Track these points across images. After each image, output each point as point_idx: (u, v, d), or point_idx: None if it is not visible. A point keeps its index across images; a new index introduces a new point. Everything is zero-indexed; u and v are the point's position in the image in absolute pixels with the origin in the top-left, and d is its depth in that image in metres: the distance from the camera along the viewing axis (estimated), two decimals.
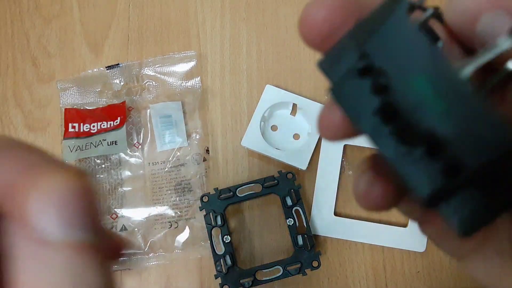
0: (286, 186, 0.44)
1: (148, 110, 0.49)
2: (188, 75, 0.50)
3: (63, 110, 0.50)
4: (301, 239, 0.43)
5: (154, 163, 0.48)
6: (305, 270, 0.42)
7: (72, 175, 0.11)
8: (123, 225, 0.46)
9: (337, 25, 0.12)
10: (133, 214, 0.47)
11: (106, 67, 0.50)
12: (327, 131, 0.14)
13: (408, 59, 0.11)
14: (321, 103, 0.47)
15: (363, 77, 0.12)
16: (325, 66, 0.13)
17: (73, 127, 0.49)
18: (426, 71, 0.11)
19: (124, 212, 0.47)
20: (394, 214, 0.46)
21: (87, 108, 0.50)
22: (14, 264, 0.10)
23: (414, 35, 0.11)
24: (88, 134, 0.48)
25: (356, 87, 0.12)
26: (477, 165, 0.11)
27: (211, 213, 0.44)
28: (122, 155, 0.48)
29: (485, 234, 0.17)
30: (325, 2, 0.12)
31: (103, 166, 0.48)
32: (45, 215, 0.10)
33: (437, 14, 0.13)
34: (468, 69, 0.11)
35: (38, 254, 0.10)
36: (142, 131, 0.49)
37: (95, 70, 0.51)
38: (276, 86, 0.48)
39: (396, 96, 0.12)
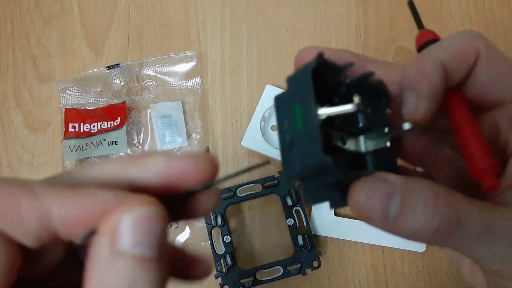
0: (286, 186, 0.44)
1: (148, 110, 0.49)
2: (188, 75, 0.51)
3: (63, 110, 0.50)
4: (301, 239, 0.43)
5: None
6: (305, 270, 0.42)
7: (143, 205, 0.15)
8: None
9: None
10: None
11: (106, 67, 0.50)
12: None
13: (299, 95, 0.19)
14: None
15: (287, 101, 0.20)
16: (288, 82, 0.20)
17: (73, 127, 0.49)
18: (303, 105, 0.18)
19: None
20: None
21: (87, 108, 0.50)
22: (92, 265, 0.14)
23: (307, 82, 0.18)
24: (88, 134, 0.48)
25: (285, 103, 0.20)
26: (298, 166, 0.18)
27: (211, 213, 0.44)
28: (122, 155, 0.48)
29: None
30: (312, 50, 0.20)
31: None
32: (123, 233, 0.14)
33: (370, 82, 0.20)
34: (322, 111, 0.18)
35: (110, 261, 0.14)
36: (142, 131, 0.49)
37: (95, 70, 0.51)
38: (276, 86, 0.48)
39: (289, 115, 0.19)
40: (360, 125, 0.21)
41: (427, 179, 0.18)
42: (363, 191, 0.18)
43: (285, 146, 0.19)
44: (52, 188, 0.15)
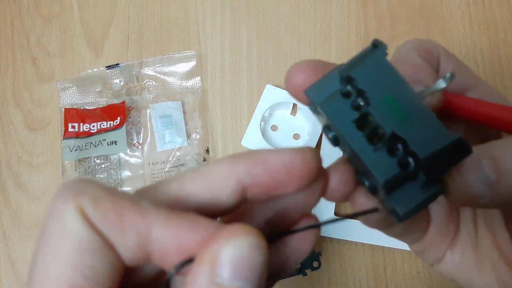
0: None
1: (148, 110, 0.49)
2: (188, 75, 0.50)
3: (63, 110, 0.50)
4: None
5: (154, 163, 0.48)
6: (305, 270, 0.42)
7: (245, 235, 0.14)
8: None
9: (311, 81, 0.18)
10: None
11: (106, 67, 0.50)
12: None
13: (383, 83, 0.16)
14: None
15: (346, 97, 0.17)
16: (311, 93, 0.17)
17: (73, 127, 0.49)
18: (395, 92, 0.16)
19: None
20: None
21: (87, 108, 0.50)
22: None
23: (389, 68, 0.16)
24: (88, 134, 0.48)
25: (340, 104, 0.17)
26: (423, 156, 0.15)
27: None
28: (122, 155, 0.48)
29: (453, 234, 0.23)
30: (302, 67, 0.19)
31: (103, 166, 0.48)
32: (224, 265, 0.14)
33: None
34: (422, 93, 0.17)
35: None
36: (142, 131, 0.49)
37: (95, 70, 0.51)
38: (276, 86, 0.48)
39: (372, 109, 0.16)
40: None
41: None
42: (458, 172, 0.17)
43: (368, 150, 0.16)
44: (156, 207, 0.14)
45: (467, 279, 0.23)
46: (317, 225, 0.17)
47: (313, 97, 0.17)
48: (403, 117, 0.16)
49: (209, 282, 0.14)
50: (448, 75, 0.17)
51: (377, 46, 0.16)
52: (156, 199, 0.15)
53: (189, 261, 0.14)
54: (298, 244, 0.17)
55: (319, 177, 0.17)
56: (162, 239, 0.14)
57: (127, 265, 0.15)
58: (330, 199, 0.18)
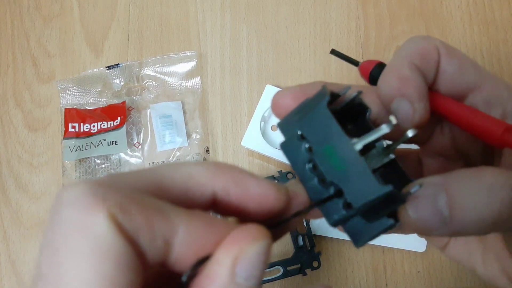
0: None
1: (148, 110, 0.49)
2: (188, 75, 0.50)
3: (63, 110, 0.50)
4: (301, 239, 0.43)
5: (154, 163, 0.48)
6: (305, 270, 0.42)
7: (263, 239, 0.15)
8: None
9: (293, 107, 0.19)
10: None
11: (106, 67, 0.50)
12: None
13: (324, 134, 0.18)
14: None
15: (300, 141, 0.19)
16: (281, 127, 0.20)
17: (73, 127, 0.49)
18: (335, 143, 0.17)
19: None
20: None
21: (87, 108, 0.50)
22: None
23: (329, 119, 0.17)
24: (88, 134, 0.48)
25: (296, 146, 0.19)
26: (356, 206, 0.17)
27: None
28: (122, 155, 0.48)
29: None
30: (288, 93, 0.20)
31: (103, 166, 0.48)
32: (244, 265, 0.14)
33: (354, 102, 0.19)
34: (359, 144, 0.17)
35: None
36: (142, 131, 0.49)
37: (95, 70, 0.51)
38: (276, 86, 0.48)
39: (315, 157, 0.18)
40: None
41: (467, 167, 0.18)
42: (415, 207, 0.17)
43: (320, 191, 0.18)
44: (177, 209, 0.15)
45: (471, 266, 0.24)
46: (312, 206, 0.18)
47: (283, 131, 0.20)
48: (341, 167, 0.17)
49: (229, 281, 0.14)
50: (392, 121, 0.18)
51: (322, 95, 0.18)
52: (138, 188, 0.15)
53: (204, 260, 0.15)
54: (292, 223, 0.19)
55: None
56: (184, 241, 0.14)
57: (155, 266, 0.15)
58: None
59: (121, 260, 0.13)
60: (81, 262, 0.12)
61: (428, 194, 0.17)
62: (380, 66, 0.26)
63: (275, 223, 0.17)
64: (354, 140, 0.17)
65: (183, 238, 0.14)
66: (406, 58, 0.21)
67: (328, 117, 0.17)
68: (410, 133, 0.18)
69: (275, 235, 0.17)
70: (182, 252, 0.14)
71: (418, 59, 0.20)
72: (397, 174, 0.19)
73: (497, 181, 0.17)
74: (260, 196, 0.17)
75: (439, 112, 0.22)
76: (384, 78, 0.21)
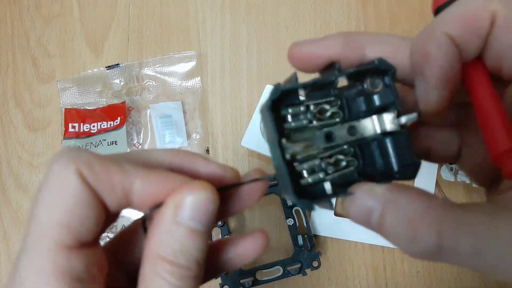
0: None
1: (148, 110, 0.49)
2: (188, 75, 0.50)
3: (63, 110, 0.50)
4: (301, 239, 0.43)
5: None
6: (305, 270, 0.42)
7: (211, 193, 0.19)
8: (123, 225, 0.46)
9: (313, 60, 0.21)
10: (134, 214, 0.47)
11: (106, 67, 0.50)
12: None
13: (268, 133, 0.20)
14: None
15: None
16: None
17: (73, 127, 0.49)
18: (272, 146, 0.20)
19: (124, 212, 0.47)
20: None
21: (87, 108, 0.50)
22: (156, 229, 0.19)
23: (271, 121, 0.19)
24: (88, 134, 0.48)
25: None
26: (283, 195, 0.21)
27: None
28: None
29: None
30: (304, 46, 0.21)
31: None
32: (185, 209, 0.18)
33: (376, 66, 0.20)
34: (287, 154, 0.19)
35: (170, 227, 0.18)
36: (142, 131, 0.49)
37: (95, 70, 0.51)
38: None
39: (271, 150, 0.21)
40: (377, 104, 0.20)
41: (418, 190, 0.18)
42: (349, 205, 0.19)
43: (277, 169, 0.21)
44: (135, 167, 0.19)
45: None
46: (259, 179, 0.22)
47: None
48: (275, 165, 0.20)
49: (172, 220, 0.18)
50: (413, 116, 0.19)
51: (272, 95, 0.19)
52: (132, 160, 0.20)
53: (159, 205, 0.19)
54: (248, 191, 0.23)
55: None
56: (140, 190, 0.19)
57: (112, 212, 0.20)
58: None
59: (79, 199, 0.18)
60: (53, 197, 0.18)
61: (365, 203, 0.18)
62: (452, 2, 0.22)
63: (223, 187, 0.21)
64: (285, 143, 0.19)
65: (141, 189, 0.19)
66: (442, 26, 0.18)
67: (269, 120, 0.19)
68: (412, 117, 0.19)
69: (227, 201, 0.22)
70: (140, 200, 0.19)
71: (459, 29, 0.18)
72: (403, 148, 0.20)
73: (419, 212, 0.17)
74: (209, 173, 0.21)
75: (468, 92, 0.19)
76: (415, 42, 0.19)
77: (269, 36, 0.52)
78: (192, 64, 0.50)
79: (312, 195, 0.20)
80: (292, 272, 0.42)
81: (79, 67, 0.52)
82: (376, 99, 0.20)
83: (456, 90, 0.19)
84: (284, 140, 0.19)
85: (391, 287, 0.45)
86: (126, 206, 0.19)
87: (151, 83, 0.51)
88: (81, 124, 0.49)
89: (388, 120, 0.20)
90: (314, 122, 0.20)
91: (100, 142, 0.48)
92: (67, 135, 0.48)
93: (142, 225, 0.20)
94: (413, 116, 0.19)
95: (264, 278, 0.43)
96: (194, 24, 0.53)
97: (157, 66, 0.51)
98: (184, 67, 0.51)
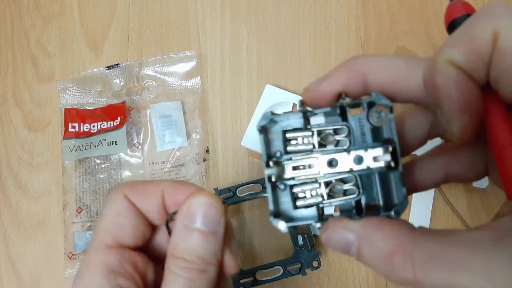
0: None
1: (148, 110, 0.49)
2: (188, 75, 0.50)
3: (63, 110, 0.50)
4: (301, 239, 0.43)
5: (154, 163, 0.48)
6: (305, 270, 0.42)
7: (210, 198, 0.22)
8: None
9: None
10: None
11: (106, 67, 0.50)
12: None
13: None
14: None
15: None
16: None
17: (73, 127, 0.49)
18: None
19: None
20: None
21: (87, 108, 0.50)
22: (173, 234, 0.22)
23: (262, 145, 0.22)
24: (88, 134, 0.48)
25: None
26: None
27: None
28: (122, 155, 0.48)
29: None
30: (318, 88, 0.22)
31: (103, 166, 0.48)
32: (195, 214, 0.22)
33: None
34: (271, 178, 0.21)
35: (183, 231, 0.22)
36: (142, 131, 0.49)
37: (95, 70, 0.51)
38: (276, 86, 0.48)
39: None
40: (384, 136, 0.20)
41: (393, 224, 0.18)
42: (328, 236, 0.20)
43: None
44: (165, 180, 0.24)
45: None
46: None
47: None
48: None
49: (180, 224, 0.22)
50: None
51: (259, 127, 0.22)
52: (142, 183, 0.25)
53: (176, 212, 0.23)
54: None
55: None
56: (169, 197, 0.23)
57: (155, 223, 0.25)
58: None
59: (120, 212, 0.23)
60: (105, 213, 0.24)
61: (343, 238, 0.19)
62: (465, 18, 0.21)
63: (229, 200, 0.25)
64: (267, 170, 0.21)
65: (169, 195, 0.24)
66: (447, 52, 0.17)
67: (260, 141, 0.22)
68: (382, 159, 0.20)
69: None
70: (171, 205, 0.24)
71: (463, 53, 0.16)
72: (398, 183, 0.20)
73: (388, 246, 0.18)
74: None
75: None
76: (424, 76, 0.19)
77: (269, 36, 0.52)
78: (192, 64, 0.50)
79: (292, 218, 0.22)
80: (292, 272, 0.42)
81: (79, 67, 0.52)
82: (383, 131, 0.21)
83: (480, 115, 0.18)
84: (271, 162, 0.21)
85: (391, 287, 0.45)
86: (165, 215, 0.24)
87: (151, 83, 0.51)
88: (81, 124, 0.49)
89: (388, 155, 0.20)
90: (318, 148, 0.21)
91: (100, 142, 0.48)
92: (67, 135, 0.48)
93: (166, 228, 0.24)
94: (383, 164, 0.20)
95: (264, 278, 0.43)
96: (194, 24, 0.53)
97: (157, 66, 0.51)
98: (184, 67, 0.51)
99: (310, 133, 0.21)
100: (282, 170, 0.21)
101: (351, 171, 0.21)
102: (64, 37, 0.53)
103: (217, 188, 0.45)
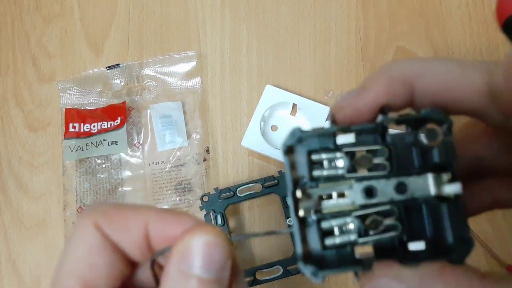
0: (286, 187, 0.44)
1: (149, 110, 0.49)
2: (188, 75, 0.51)
3: (64, 110, 0.50)
4: None
5: (155, 163, 0.48)
6: None
7: (214, 236, 0.17)
8: None
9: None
10: None
11: (106, 67, 0.51)
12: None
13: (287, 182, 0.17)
14: (321, 103, 0.47)
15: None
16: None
17: (74, 127, 0.49)
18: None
19: None
20: None
21: (88, 108, 0.50)
22: (165, 279, 0.17)
23: (287, 170, 0.17)
24: (89, 134, 0.48)
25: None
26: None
27: (211, 213, 0.44)
28: (123, 155, 0.48)
29: None
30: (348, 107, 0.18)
31: (103, 166, 0.48)
32: (195, 257, 0.17)
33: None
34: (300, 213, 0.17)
35: (179, 279, 0.17)
36: (142, 131, 0.49)
37: (96, 70, 0.51)
38: (276, 86, 0.48)
39: None
40: (435, 160, 0.17)
41: (457, 273, 0.15)
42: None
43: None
44: (150, 207, 0.19)
45: None
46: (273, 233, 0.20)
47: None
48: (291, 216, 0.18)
49: (176, 270, 0.17)
50: None
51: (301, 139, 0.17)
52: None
53: (167, 249, 0.18)
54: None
55: None
56: (156, 231, 0.18)
57: (136, 260, 0.19)
58: None
59: (91, 249, 0.18)
60: (69, 249, 0.18)
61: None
62: None
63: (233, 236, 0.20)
64: (299, 203, 0.17)
65: (155, 229, 0.18)
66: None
67: (286, 166, 0.17)
68: (448, 189, 0.16)
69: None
70: (158, 242, 0.18)
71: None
72: (459, 217, 0.17)
73: None
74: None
75: None
76: (507, 77, 0.16)
77: (269, 36, 0.52)
78: (192, 64, 0.51)
79: (325, 262, 0.18)
80: (292, 272, 0.42)
81: (79, 67, 0.52)
82: (434, 154, 0.17)
83: None
84: (299, 193, 0.17)
85: None
86: (148, 250, 0.19)
87: (151, 83, 0.51)
88: (82, 124, 0.49)
89: (446, 181, 0.17)
90: (351, 173, 0.17)
91: (100, 142, 0.48)
92: (67, 135, 0.48)
93: (151, 272, 0.19)
94: (458, 189, 0.16)
95: (264, 278, 0.43)
96: (194, 24, 0.53)
97: (157, 66, 0.51)
98: (184, 67, 0.51)
99: (341, 154, 0.17)
100: (311, 201, 0.17)
101: (392, 202, 0.17)
102: (65, 37, 0.54)
103: (217, 188, 0.45)
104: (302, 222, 0.17)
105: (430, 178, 0.17)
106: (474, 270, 0.15)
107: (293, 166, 0.17)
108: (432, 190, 0.17)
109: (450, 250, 0.16)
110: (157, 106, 0.49)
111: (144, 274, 0.20)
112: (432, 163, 0.17)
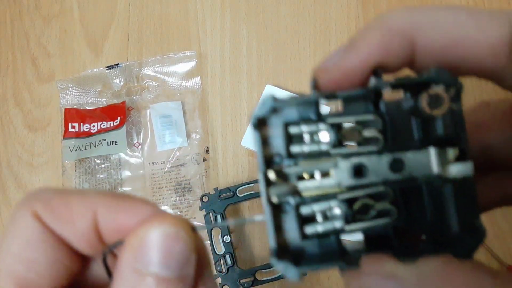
0: None
1: (148, 110, 0.49)
2: (188, 75, 0.50)
3: (63, 110, 0.50)
4: None
5: (154, 163, 0.48)
6: None
7: (174, 226, 0.14)
8: None
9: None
10: None
11: (106, 67, 0.50)
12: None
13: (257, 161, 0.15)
14: None
15: None
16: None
17: (73, 127, 0.49)
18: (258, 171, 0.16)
19: None
20: None
21: (87, 108, 0.50)
22: (117, 277, 0.14)
23: (258, 146, 0.15)
24: (88, 134, 0.48)
25: None
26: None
27: (211, 213, 0.44)
28: (122, 155, 0.48)
29: None
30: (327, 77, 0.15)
31: (103, 166, 0.48)
32: (152, 252, 0.14)
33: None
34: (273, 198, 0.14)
35: (134, 279, 0.14)
36: (142, 131, 0.49)
37: (95, 70, 0.51)
38: (276, 86, 0.48)
39: None
40: (438, 132, 0.14)
41: (465, 270, 0.12)
42: (356, 286, 0.14)
43: None
44: (100, 193, 0.16)
45: None
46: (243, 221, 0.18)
47: None
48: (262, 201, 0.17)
49: (131, 268, 0.14)
50: None
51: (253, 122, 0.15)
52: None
53: (120, 243, 0.15)
54: None
55: None
56: (107, 221, 0.16)
57: (85, 254, 0.16)
58: None
59: (28, 243, 0.15)
60: (10, 244, 0.16)
61: None
62: None
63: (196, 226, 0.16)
64: (269, 188, 0.14)
65: (106, 219, 0.16)
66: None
67: (256, 141, 0.15)
68: (454, 169, 0.13)
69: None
70: (110, 234, 0.16)
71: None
72: (468, 201, 0.14)
73: None
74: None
75: None
76: None
77: (269, 36, 0.52)
78: (192, 64, 0.50)
79: (304, 255, 0.15)
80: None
81: (79, 67, 0.52)
82: (438, 125, 0.14)
83: None
84: (272, 174, 0.14)
85: None
86: (99, 243, 0.16)
87: (151, 83, 0.51)
88: (81, 124, 0.49)
89: (453, 159, 0.14)
90: (337, 148, 0.14)
91: (100, 142, 0.48)
92: (66, 135, 0.48)
93: (104, 267, 0.16)
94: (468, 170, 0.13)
95: (264, 278, 0.43)
96: (194, 24, 0.53)
97: (157, 66, 0.51)
98: (184, 67, 0.50)
99: (325, 126, 0.14)
100: (287, 184, 0.14)
101: (385, 182, 0.14)
102: (64, 37, 0.53)
103: (217, 188, 0.45)
104: (277, 208, 0.14)
105: (432, 153, 0.14)
106: (485, 268, 0.12)
107: (265, 142, 0.15)
108: (435, 168, 0.14)
109: (455, 241, 0.14)
110: (156, 106, 0.49)
111: (100, 269, 0.17)
112: (435, 136, 0.14)
